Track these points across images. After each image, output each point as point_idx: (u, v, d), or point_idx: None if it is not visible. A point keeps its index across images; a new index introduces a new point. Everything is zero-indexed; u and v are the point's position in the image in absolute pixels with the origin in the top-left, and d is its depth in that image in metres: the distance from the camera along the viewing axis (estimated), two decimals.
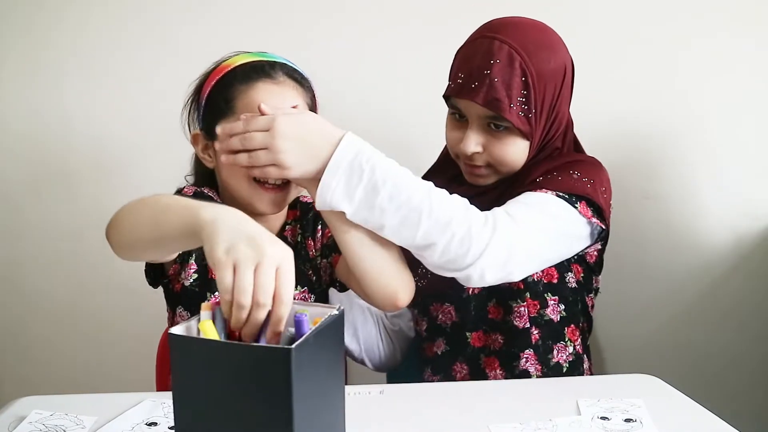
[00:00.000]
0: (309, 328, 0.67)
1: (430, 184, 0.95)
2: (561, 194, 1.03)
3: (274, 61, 1.04)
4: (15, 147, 1.65)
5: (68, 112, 1.63)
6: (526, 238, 0.98)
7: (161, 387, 1.25)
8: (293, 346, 0.61)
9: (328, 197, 0.90)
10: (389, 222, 0.91)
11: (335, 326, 0.71)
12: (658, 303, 1.66)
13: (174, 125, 1.12)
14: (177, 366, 0.65)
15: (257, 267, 0.66)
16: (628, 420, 0.84)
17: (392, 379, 1.33)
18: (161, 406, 0.88)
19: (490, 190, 1.13)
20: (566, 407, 0.89)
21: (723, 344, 1.67)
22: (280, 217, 1.11)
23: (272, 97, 0.99)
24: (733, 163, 1.61)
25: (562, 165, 1.10)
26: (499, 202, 1.04)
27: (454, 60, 1.13)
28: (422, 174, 1.24)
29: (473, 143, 1.08)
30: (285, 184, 1.02)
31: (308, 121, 0.91)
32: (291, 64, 1.07)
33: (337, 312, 0.71)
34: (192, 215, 0.74)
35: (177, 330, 0.66)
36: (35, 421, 0.84)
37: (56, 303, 1.69)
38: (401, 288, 0.99)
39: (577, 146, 1.19)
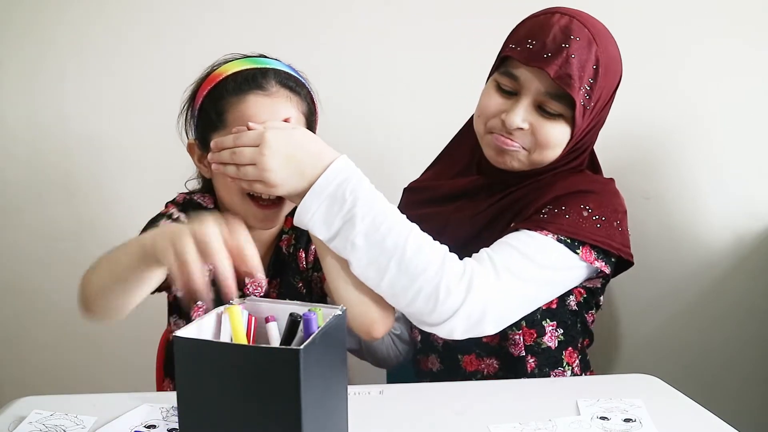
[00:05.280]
0: (317, 327, 0.67)
1: (414, 226, 0.91)
2: (563, 238, 0.97)
3: (267, 69, 1.01)
4: (15, 149, 1.64)
5: (68, 114, 1.63)
6: (504, 297, 0.93)
7: (161, 387, 1.25)
8: (302, 347, 0.61)
9: (307, 219, 0.88)
10: (358, 260, 0.88)
11: (339, 326, 0.71)
12: (658, 303, 1.66)
13: (173, 128, 1.12)
14: (182, 368, 0.65)
15: (194, 233, 0.71)
16: (627, 420, 0.84)
17: (392, 379, 1.33)
18: (159, 410, 0.87)
19: (495, 204, 1.07)
20: (566, 407, 0.89)
21: (723, 344, 1.67)
22: (277, 225, 1.09)
23: (264, 110, 0.98)
24: (733, 163, 1.61)
25: (573, 194, 1.01)
26: (499, 220, 1.02)
27: (517, 29, 1.05)
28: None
29: (520, 118, 1.00)
30: (278, 200, 1.00)
31: (299, 139, 0.89)
32: (287, 69, 1.04)
33: (340, 312, 0.71)
34: (139, 241, 0.82)
35: (183, 332, 0.65)
36: (35, 421, 0.84)
37: (55, 304, 1.69)
38: (377, 320, 0.96)
39: (593, 164, 1.12)
